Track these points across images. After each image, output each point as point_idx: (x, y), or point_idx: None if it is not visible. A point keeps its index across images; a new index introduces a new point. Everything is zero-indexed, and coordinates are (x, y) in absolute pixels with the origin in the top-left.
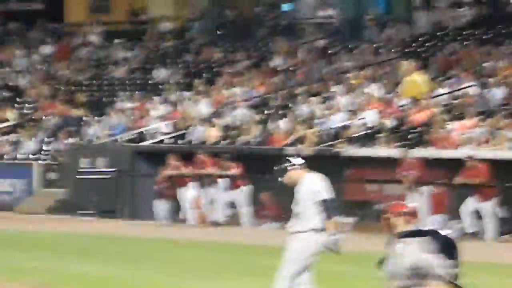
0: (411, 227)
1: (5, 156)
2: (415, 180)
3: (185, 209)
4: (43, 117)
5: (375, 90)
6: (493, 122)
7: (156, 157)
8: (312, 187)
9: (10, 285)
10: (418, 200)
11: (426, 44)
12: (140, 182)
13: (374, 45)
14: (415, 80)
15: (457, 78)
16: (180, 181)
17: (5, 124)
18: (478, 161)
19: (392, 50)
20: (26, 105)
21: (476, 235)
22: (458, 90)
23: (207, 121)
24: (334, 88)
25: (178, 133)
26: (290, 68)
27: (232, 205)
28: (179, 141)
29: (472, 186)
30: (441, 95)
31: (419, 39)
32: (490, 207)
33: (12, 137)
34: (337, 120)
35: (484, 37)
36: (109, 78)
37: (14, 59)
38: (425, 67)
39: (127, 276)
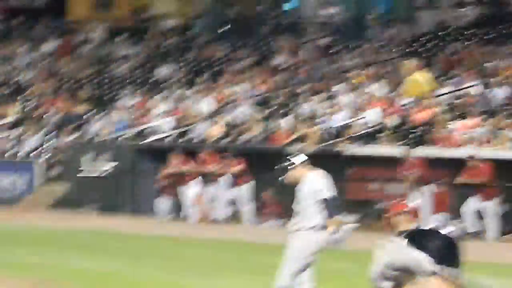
0: (412, 226)
1: (7, 152)
2: (417, 179)
3: (187, 206)
4: (45, 114)
5: (377, 89)
6: (495, 121)
7: (158, 154)
8: (313, 186)
9: (11, 281)
10: (420, 199)
11: (429, 44)
12: (142, 179)
13: (377, 44)
14: (417, 79)
15: (459, 78)
16: (181, 178)
17: (7, 120)
18: (480, 161)
19: (395, 49)
20: (28, 101)
21: (477, 235)
22: (460, 89)
23: (209, 118)
24: (336, 87)
25: (180, 130)
26: (292, 67)
27: (234, 202)
28: (181, 139)
29: (473, 186)
30: (443, 94)
31: (422, 38)
32: (491, 207)
33: (14, 133)
34: (339, 119)
35: (486, 36)
36: (111, 75)
37: (17, 55)
38: (428, 67)
39: (128, 272)
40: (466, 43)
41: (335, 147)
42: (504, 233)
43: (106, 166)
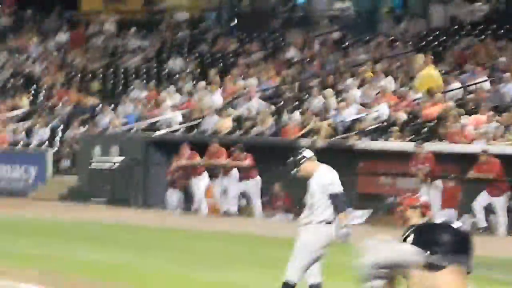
0: (423, 221)
1: (17, 144)
2: (428, 174)
3: (197, 199)
4: (56, 105)
5: (388, 83)
6: (507, 117)
7: (169, 146)
8: (324, 180)
9: (20, 271)
10: (431, 194)
11: (440, 38)
12: (153, 171)
13: (388, 39)
14: (430, 74)
15: (471, 73)
16: (192, 171)
17: (19, 112)
18: (491, 156)
19: (407, 44)
20: (40, 93)
21: (487, 230)
22: (472, 84)
23: (220, 111)
24: (348, 81)
25: (192, 123)
26: (304, 61)
27: (244, 195)
28: (192, 132)
29: (484, 181)
30: (455, 89)
31: (434, 33)
32: (501, 202)
33: (26, 124)
34: (350, 113)
35: (499, 32)
36: (122, 67)
37: (29, 46)
38: (440, 61)
39: (137, 265)
40: (478, 38)
41: (346, 141)
42: None
43: (116, 159)
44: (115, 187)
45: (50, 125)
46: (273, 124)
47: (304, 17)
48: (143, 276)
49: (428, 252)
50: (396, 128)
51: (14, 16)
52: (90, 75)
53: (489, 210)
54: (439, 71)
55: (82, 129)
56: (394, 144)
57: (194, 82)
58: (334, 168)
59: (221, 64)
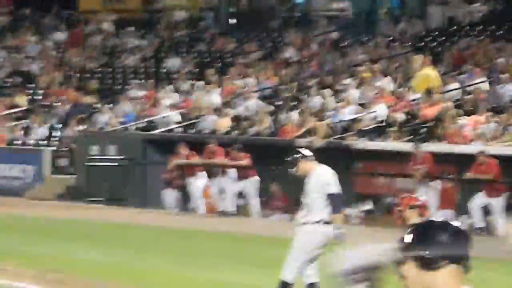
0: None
1: (15, 142)
2: (425, 175)
3: (194, 198)
4: (54, 104)
5: (386, 84)
6: (505, 118)
7: (167, 145)
8: (321, 180)
9: (17, 270)
10: (428, 194)
11: (439, 39)
12: (150, 170)
13: (387, 39)
14: (427, 74)
15: (469, 74)
16: (189, 170)
17: (16, 110)
18: (489, 157)
19: (405, 44)
20: (38, 91)
21: (484, 231)
22: (470, 85)
23: (218, 111)
24: (346, 81)
25: (189, 122)
26: (302, 60)
27: (242, 195)
28: (190, 130)
29: (482, 182)
30: (453, 90)
31: (433, 33)
32: (499, 203)
33: (23, 123)
34: (348, 113)
35: (497, 33)
36: (121, 66)
37: (27, 45)
38: (437, 62)
39: (134, 264)
40: (476, 39)
41: (343, 141)
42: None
43: (114, 157)
44: (112, 186)
45: (48, 124)
46: (271, 124)
47: (303, 17)
48: (140, 275)
49: (426, 252)
50: (394, 128)
51: (12, 15)
52: (88, 74)
53: (487, 211)
54: (437, 71)
55: (80, 128)
56: (392, 144)
57: (192, 81)
58: (331, 168)
59: (220, 64)
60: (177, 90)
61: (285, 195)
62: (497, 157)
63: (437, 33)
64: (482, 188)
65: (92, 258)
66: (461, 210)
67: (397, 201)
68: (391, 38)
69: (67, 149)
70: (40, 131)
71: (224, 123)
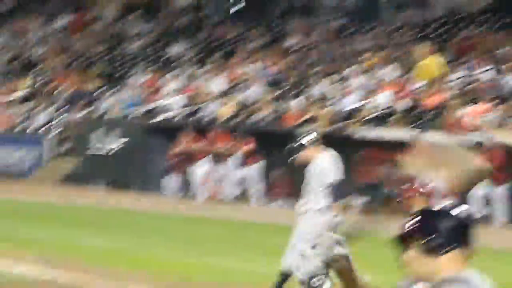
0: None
1: (18, 127)
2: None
3: (196, 185)
4: (56, 89)
5: (389, 72)
6: (507, 107)
7: (169, 132)
8: (321, 168)
9: (17, 255)
10: (432, 182)
11: (441, 28)
12: (152, 156)
13: (389, 28)
14: (430, 63)
15: (472, 63)
16: (191, 157)
17: (20, 95)
18: (491, 146)
19: (408, 33)
20: (40, 76)
21: (485, 220)
22: (473, 75)
23: (222, 97)
24: (348, 70)
25: (191, 109)
26: (305, 48)
27: (243, 182)
28: (192, 117)
29: None
30: (455, 79)
31: (435, 22)
32: (501, 192)
33: (26, 107)
34: (350, 102)
35: (502, 21)
36: (123, 52)
37: (29, 30)
38: (441, 51)
39: (134, 250)
40: (481, 28)
41: (345, 129)
42: None
43: (116, 143)
44: (114, 172)
45: (50, 109)
46: (274, 111)
47: (306, 4)
48: (139, 261)
49: (429, 237)
50: (397, 116)
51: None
52: (90, 59)
53: (487, 200)
54: (442, 60)
55: (82, 113)
56: (393, 133)
57: (196, 67)
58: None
59: (223, 50)
60: (180, 76)
61: (287, 182)
62: (500, 146)
63: (440, 22)
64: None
65: (91, 244)
66: (463, 199)
67: (401, 189)
68: (395, 26)
69: (69, 134)
70: (42, 116)
71: (227, 110)
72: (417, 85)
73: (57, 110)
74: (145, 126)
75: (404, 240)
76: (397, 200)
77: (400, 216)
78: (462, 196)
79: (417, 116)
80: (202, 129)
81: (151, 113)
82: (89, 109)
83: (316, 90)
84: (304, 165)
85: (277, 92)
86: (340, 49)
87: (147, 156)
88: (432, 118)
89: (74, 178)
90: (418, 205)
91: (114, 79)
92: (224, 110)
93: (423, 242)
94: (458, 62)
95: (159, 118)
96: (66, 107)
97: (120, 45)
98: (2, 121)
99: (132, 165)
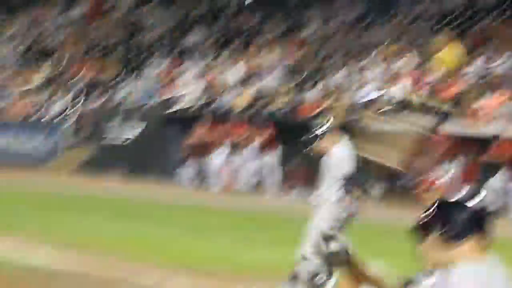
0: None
1: (33, 116)
2: (444, 156)
3: (211, 175)
4: (73, 78)
5: (406, 63)
6: None
7: (185, 122)
8: (335, 159)
9: (31, 244)
10: (448, 174)
11: (459, 19)
12: (168, 146)
13: (407, 19)
14: (447, 54)
15: (489, 54)
16: (207, 146)
17: (35, 83)
18: (509, 138)
19: (424, 24)
20: (57, 65)
21: (503, 211)
22: (491, 66)
23: (237, 87)
24: (364, 61)
25: (208, 98)
26: (322, 39)
27: (259, 172)
28: (209, 107)
29: (500, 163)
30: (475, 69)
31: (454, 13)
32: None
33: (43, 96)
34: (366, 93)
35: None
36: (141, 41)
37: (46, 18)
38: (458, 42)
39: (149, 239)
40: (496, 20)
41: (363, 120)
42: None
43: (132, 133)
44: (129, 161)
45: (66, 98)
46: (290, 102)
47: None
48: (154, 250)
49: (446, 228)
50: (414, 107)
51: None
52: (108, 48)
53: (504, 192)
54: (460, 50)
55: (99, 102)
56: (409, 124)
57: (214, 56)
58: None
59: (241, 39)
60: (197, 66)
61: (303, 173)
62: None
63: (457, 12)
64: (501, 169)
65: (105, 232)
66: (479, 190)
67: (418, 180)
68: (412, 17)
69: (86, 123)
70: (59, 104)
71: (243, 100)
72: (435, 76)
73: (74, 99)
74: (161, 115)
75: (421, 230)
76: (413, 191)
77: (416, 207)
78: (478, 187)
79: (435, 106)
80: (218, 119)
81: (167, 102)
82: (106, 98)
83: (333, 81)
84: (320, 156)
85: (294, 82)
86: (357, 39)
87: (163, 146)
88: (449, 110)
89: (90, 167)
90: (433, 196)
91: (131, 68)
92: (241, 100)
93: (439, 232)
94: (475, 53)
95: (176, 107)
96: (83, 96)
97: (137, 34)
98: (18, 109)
99: (148, 154)
